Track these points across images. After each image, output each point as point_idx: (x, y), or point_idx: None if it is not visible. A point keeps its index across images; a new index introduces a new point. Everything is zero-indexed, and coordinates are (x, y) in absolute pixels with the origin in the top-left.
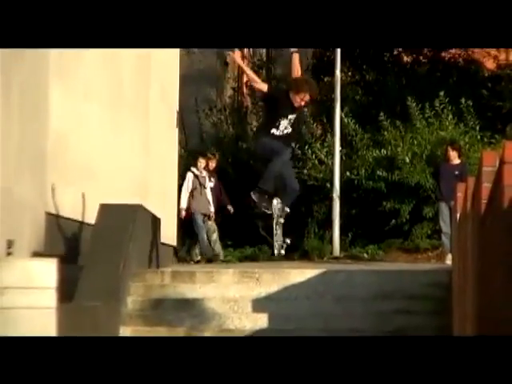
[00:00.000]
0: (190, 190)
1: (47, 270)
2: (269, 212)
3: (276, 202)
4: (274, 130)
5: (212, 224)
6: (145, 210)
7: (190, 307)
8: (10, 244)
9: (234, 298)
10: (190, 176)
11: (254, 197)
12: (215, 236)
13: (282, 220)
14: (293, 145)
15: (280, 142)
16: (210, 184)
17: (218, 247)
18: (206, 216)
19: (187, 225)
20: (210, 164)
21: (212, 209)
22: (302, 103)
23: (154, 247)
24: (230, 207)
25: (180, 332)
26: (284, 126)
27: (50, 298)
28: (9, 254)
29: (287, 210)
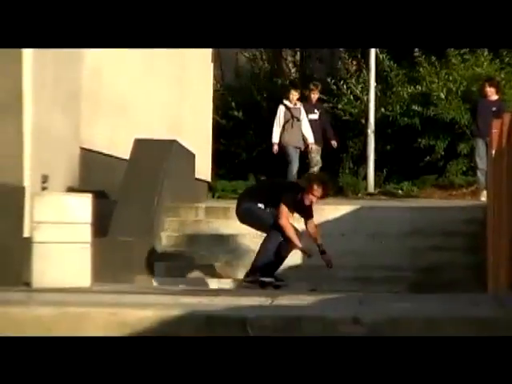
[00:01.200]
0: (282, 124)
1: (82, 205)
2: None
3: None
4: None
5: (315, 156)
6: (179, 145)
7: (224, 243)
8: (44, 179)
9: None
10: (281, 109)
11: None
12: (315, 169)
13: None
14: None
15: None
16: (313, 116)
17: None
18: (299, 148)
19: (279, 159)
20: (313, 95)
21: (311, 140)
22: (314, 200)
23: (188, 182)
24: (334, 142)
25: (215, 268)
26: None
27: (85, 233)
28: (43, 188)
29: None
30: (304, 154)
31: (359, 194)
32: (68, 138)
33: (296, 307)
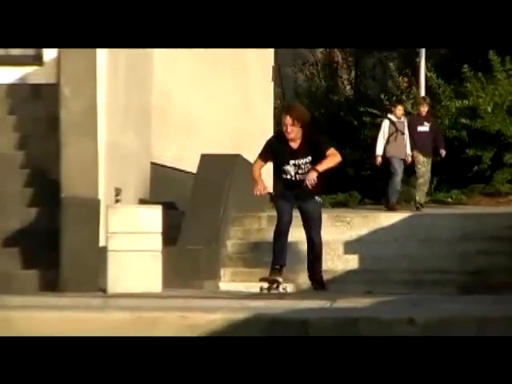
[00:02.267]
0: (386, 137)
1: (153, 216)
2: None
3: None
4: (283, 176)
5: (420, 168)
6: (243, 159)
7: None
8: (118, 192)
9: (327, 241)
10: (386, 123)
11: None
12: (421, 180)
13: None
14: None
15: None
16: (424, 128)
17: (419, 194)
18: (403, 160)
19: (383, 171)
20: (422, 109)
21: (409, 151)
22: (289, 129)
23: (252, 194)
24: (442, 151)
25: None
26: (292, 171)
27: (156, 242)
28: (117, 201)
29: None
30: (411, 165)
31: (411, 203)
32: (139, 154)
33: (354, 309)
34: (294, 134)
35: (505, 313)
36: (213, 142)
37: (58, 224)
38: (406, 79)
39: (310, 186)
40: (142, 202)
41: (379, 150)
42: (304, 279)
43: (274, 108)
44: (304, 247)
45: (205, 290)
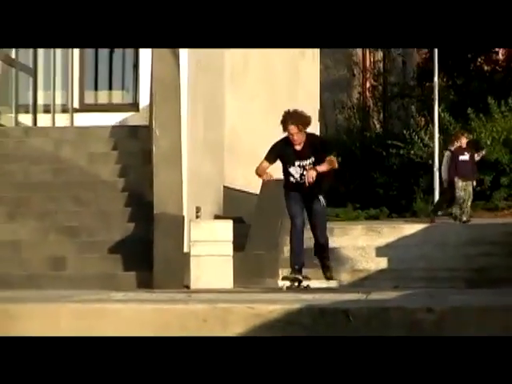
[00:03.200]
0: (449, 164)
1: (225, 228)
2: None
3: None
4: (291, 179)
5: (469, 191)
6: None
7: (330, 254)
8: (198, 209)
9: (362, 247)
10: (448, 153)
11: None
12: (469, 202)
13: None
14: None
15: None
16: (465, 157)
17: (466, 211)
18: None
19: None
20: (463, 141)
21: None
22: (295, 137)
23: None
24: (477, 156)
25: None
26: (297, 173)
27: (228, 249)
28: (197, 217)
29: None
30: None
31: (430, 216)
32: (215, 179)
33: (384, 300)
34: (300, 140)
35: (503, 303)
36: (272, 169)
37: (151, 235)
38: (423, 119)
39: (307, 183)
40: (217, 217)
41: (446, 175)
42: (344, 277)
43: None
44: (342, 251)
45: (267, 285)
